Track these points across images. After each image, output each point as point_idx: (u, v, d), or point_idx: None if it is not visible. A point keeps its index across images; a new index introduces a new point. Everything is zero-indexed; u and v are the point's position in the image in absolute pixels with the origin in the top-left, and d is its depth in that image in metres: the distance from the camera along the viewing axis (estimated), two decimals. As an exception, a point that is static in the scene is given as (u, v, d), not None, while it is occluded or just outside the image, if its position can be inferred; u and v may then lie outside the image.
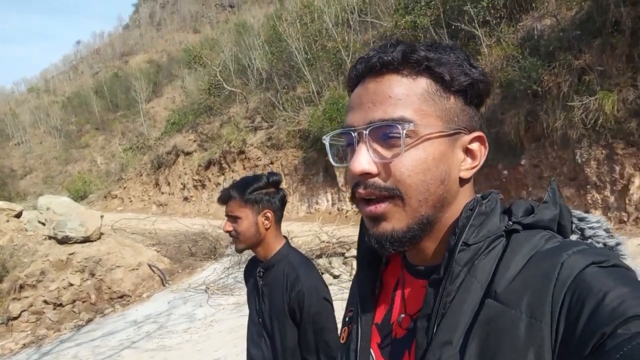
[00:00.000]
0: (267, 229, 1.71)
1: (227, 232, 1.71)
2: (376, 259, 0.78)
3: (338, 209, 13.11)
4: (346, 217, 12.64)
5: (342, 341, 0.81)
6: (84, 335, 7.10)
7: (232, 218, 1.69)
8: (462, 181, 0.67)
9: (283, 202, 1.76)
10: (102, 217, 10.35)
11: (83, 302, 8.50)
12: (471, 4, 10.68)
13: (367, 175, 0.63)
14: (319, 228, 9.30)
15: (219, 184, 18.02)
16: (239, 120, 18.55)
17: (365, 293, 0.76)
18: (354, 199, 0.67)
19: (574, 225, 0.66)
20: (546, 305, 0.53)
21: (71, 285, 8.61)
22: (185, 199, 19.84)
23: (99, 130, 39.79)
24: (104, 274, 9.04)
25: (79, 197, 25.51)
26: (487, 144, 0.68)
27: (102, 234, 10.00)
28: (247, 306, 1.82)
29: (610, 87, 7.55)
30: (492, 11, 10.56)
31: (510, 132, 9.09)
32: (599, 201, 7.82)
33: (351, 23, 15.88)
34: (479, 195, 0.67)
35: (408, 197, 0.62)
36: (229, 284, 8.17)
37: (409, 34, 13.18)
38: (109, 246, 9.78)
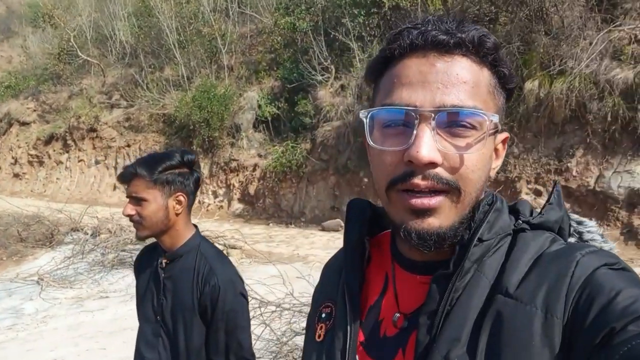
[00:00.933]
0: (177, 215, 1.51)
1: (127, 216, 1.47)
2: (362, 253, 0.73)
3: (200, 202, 12.61)
4: (208, 210, 12.23)
5: (318, 339, 0.74)
6: None
7: (136, 200, 1.46)
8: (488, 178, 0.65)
9: (197, 185, 1.58)
10: None
11: None
12: (349, 17, 11.23)
13: (431, 164, 0.56)
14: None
15: (61, 162, 15.98)
16: (93, 94, 16.68)
17: (356, 289, 0.71)
18: (392, 189, 0.59)
19: (572, 229, 0.67)
20: (560, 300, 0.53)
21: None
22: (17, 175, 17.13)
23: None
24: None
25: None
26: (506, 144, 0.68)
27: None
28: (88, 301, 1.56)
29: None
30: (367, 28, 11.24)
31: (373, 142, 9.75)
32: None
33: (230, 13, 15.45)
34: (492, 191, 0.66)
35: (466, 193, 0.58)
36: (68, 276, 7.24)
37: (288, 35, 13.34)
38: None
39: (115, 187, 14.44)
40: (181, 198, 1.52)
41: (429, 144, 0.55)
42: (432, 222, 0.58)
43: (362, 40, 11.23)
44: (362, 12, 11.16)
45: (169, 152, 1.55)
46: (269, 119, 12.48)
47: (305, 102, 11.60)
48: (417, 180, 0.57)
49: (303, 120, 11.58)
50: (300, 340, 3.76)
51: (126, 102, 15.41)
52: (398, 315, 0.67)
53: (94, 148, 15.38)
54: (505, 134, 0.67)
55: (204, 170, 12.65)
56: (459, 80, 0.57)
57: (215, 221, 10.67)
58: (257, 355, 4.00)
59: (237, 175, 12.23)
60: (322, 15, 12.38)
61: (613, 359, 0.47)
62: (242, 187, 12.15)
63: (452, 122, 0.57)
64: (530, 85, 7.99)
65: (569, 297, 0.53)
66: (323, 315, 0.77)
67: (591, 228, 0.67)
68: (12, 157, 17.50)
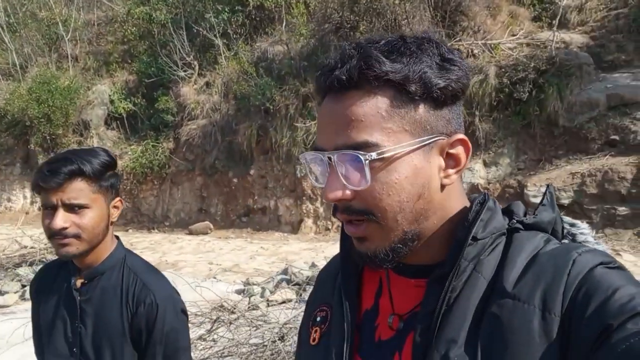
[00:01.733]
0: (111, 224, 1.27)
1: (61, 229, 1.15)
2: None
3: (39, 208, 11.01)
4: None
5: (312, 342, 0.74)
6: None
7: (72, 207, 1.17)
8: (444, 188, 0.63)
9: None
10: None
11: None
12: (212, 12, 10.89)
13: (341, 200, 0.60)
14: (22, 231, 7.56)
15: None
16: None
17: (352, 292, 0.71)
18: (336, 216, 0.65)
19: (565, 231, 0.68)
20: (558, 298, 0.54)
21: None
22: None
23: None
24: None
25: None
26: (469, 145, 0.64)
27: None
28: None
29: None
30: (233, 26, 11.03)
31: (242, 142, 9.62)
32: (312, 211, 9.08)
33: (74, -4, 13.82)
34: (485, 192, 0.66)
35: (384, 219, 0.60)
36: None
37: (144, 26, 12.42)
38: None
39: None
40: (119, 204, 1.28)
41: (332, 185, 0.60)
42: (368, 246, 0.62)
43: (228, 37, 10.99)
44: (227, 9, 10.92)
45: (96, 150, 1.25)
46: (124, 115, 11.48)
47: (167, 98, 10.93)
48: (338, 214, 0.63)
49: (164, 118, 10.89)
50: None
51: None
52: (393, 316, 0.67)
53: None
54: (456, 136, 0.62)
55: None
56: (348, 119, 0.59)
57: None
58: None
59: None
60: (183, 7, 11.78)
61: (611, 356, 0.48)
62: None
63: (351, 159, 0.59)
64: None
65: (567, 295, 0.54)
66: (318, 318, 0.76)
67: (584, 230, 0.69)
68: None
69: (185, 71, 11.13)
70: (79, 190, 1.17)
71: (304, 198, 9.12)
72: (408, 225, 0.61)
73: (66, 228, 1.15)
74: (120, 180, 1.36)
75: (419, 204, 0.61)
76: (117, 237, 1.34)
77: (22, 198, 11.29)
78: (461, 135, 0.63)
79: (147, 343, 1.24)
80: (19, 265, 6.57)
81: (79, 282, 1.26)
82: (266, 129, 9.49)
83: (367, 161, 0.57)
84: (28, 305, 4.78)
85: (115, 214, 1.27)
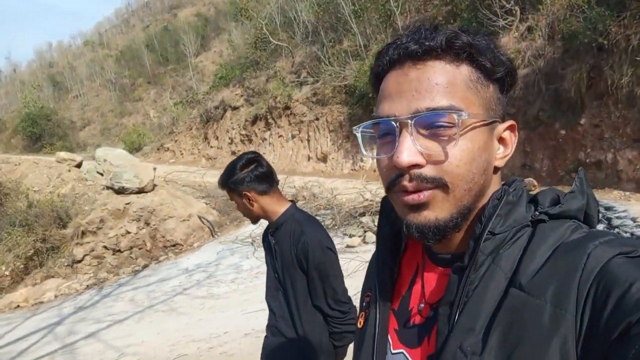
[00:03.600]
0: (254, 206, 1.87)
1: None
2: (396, 244, 0.78)
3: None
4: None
5: (359, 326, 0.82)
6: (140, 280, 7.61)
7: (234, 201, 1.93)
8: (495, 170, 0.67)
9: (260, 177, 1.86)
10: (155, 169, 10.81)
11: (139, 249, 9.06)
12: (535, -53, 9.84)
13: (415, 166, 0.60)
14: (363, 186, 9.29)
15: (265, 139, 18.24)
16: (285, 75, 18.44)
17: (385, 279, 0.77)
18: (390, 191, 0.65)
19: (600, 215, 0.65)
20: (571, 295, 0.53)
21: (128, 232, 9.17)
22: (233, 153, 20.26)
23: (150, 84, 40.83)
24: (157, 224, 9.54)
25: (134, 149, 26.63)
26: (517, 133, 0.68)
27: (155, 185, 10.48)
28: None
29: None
30: (558, -45, 9.68)
31: (570, 88, 8.54)
32: (664, 165, 7.31)
33: (402, -29, 15.08)
34: (505, 185, 0.66)
35: (454, 186, 0.61)
36: (274, 238, 8.41)
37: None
38: (161, 197, 10.26)
39: (309, 158, 15.91)
40: (248, 194, 1.85)
41: (408, 149, 0.60)
42: (428, 215, 0.62)
43: (551, -30, 9.74)
44: (550, -62, 9.64)
45: (231, 163, 1.92)
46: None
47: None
48: (405, 182, 0.61)
49: (485, 73, 10.76)
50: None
51: (312, 78, 16.62)
52: (423, 305, 0.71)
53: (290, 124, 17.09)
54: (509, 122, 0.67)
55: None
56: (431, 84, 0.61)
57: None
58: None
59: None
60: (502, -48, 11.10)
61: (629, 352, 0.46)
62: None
63: (430, 124, 0.61)
64: None
65: (582, 291, 0.52)
66: (364, 304, 0.83)
67: (620, 213, 0.65)
68: (229, 138, 20.74)
69: (505, 20, 10.61)
70: (227, 193, 1.99)
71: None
72: (469, 198, 0.63)
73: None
74: (248, 175, 1.86)
75: (482, 178, 0.63)
76: (291, 201, 1.95)
77: (370, 159, 13.57)
78: (512, 122, 0.67)
79: (307, 269, 1.77)
80: (362, 214, 8.15)
81: (272, 232, 1.93)
82: (600, 70, 8.09)
83: (459, 120, 0.59)
84: (368, 246, 6.07)
85: (248, 201, 1.87)
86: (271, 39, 19.36)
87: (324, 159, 15.34)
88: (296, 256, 1.78)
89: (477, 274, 0.61)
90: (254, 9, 22.27)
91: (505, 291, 0.59)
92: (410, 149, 0.60)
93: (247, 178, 1.85)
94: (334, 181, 11.96)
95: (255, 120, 19.07)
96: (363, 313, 0.82)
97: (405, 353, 0.71)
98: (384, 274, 0.77)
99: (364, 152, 0.69)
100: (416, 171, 0.60)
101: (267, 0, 21.73)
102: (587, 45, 8.22)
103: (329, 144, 15.05)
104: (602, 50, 8.04)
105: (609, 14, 7.74)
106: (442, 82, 0.61)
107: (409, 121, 0.60)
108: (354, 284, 5.45)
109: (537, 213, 0.62)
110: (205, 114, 23.30)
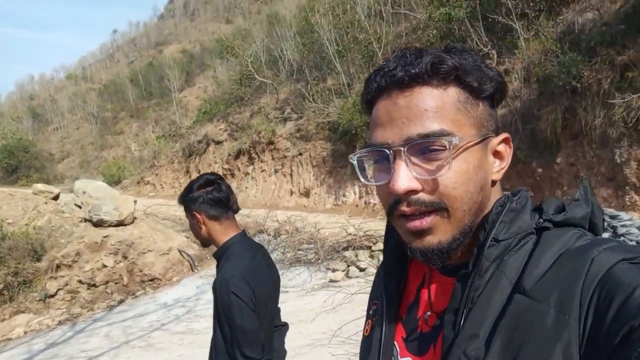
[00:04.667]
0: (202, 229, 1.77)
1: None
2: (403, 254, 0.78)
3: (365, 202, 13.08)
4: (373, 210, 12.61)
5: (365, 334, 0.82)
6: (116, 315, 7.35)
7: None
8: (493, 183, 0.67)
9: (213, 201, 1.76)
10: (135, 202, 10.65)
11: (115, 283, 8.79)
12: (510, -4, 10.39)
13: (411, 192, 0.62)
14: (346, 221, 9.30)
15: (247, 173, 18.24)
16: (269, 110, 18.68)
17: (392, 288, 0.78)
18: (391, 216, 0.66)
19: (605, 223, 0.66)
20: (574, 300, 0.53)
21: (105, 266, 8.92)
22: (215, 187, 20.17)
23: (133, 117, 40.79)
24: (136, 257, 9.32)
25: (113, 182, 26.28)
26: (512, 144, 0.69)
27: (135, 218, 10.30)
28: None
29: (655, 84, 7.24)
30: (531, 3, 10.25)
31: (546, 129, 8.84)
32: (638, 203, 7.54)
33: (384, 14, 15.69)
34: (509, 193, 0.67)
35: (454, 209, 0.62)
36: (255, 272, 8.28)
37: (443, 26, 12.95)
38: (141, 230, 10.07)
39: (292, 193, 15.91)
40: (197, 216, 1.77)
41: (402, 177, 0.61)
42: (431, 240, 0.63)
43: (526, 17, 10.28)
44: (524, -12, 10.23)
45: (190, 181, 1.85)
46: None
47: (466, 93, 11.10)
48: (403, 208, 0.63)
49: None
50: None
51: (296, 115, 16.88)
52: (429, 313, 0.71)
53: (273, 159, 17.17)
54: (503, 135, 0.67)
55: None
56: (420, 110, 0.62)
57: (380, 220, 10.94)
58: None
59: (400, 174, 12.35)
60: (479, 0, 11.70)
61: (632, 356, 0.46)
62: (406, 186, 12.21)
63: (423, 149, 0.62)
64: None
65: (585, 296, 0.53)
66: (371, 312, 0.84)
67: (626, 222, 0.65)
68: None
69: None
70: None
71: (626, 188, 7.66)
72: (470, 217, 0.64)
73: None
74: (201, 197, 1.77)
75: (480, 196, 0.64)
76: (242, 230, 1.83)
77: (353, 194, 13.66)
78: (506, 135, 0.68)
79: (218, 312, 1.63)
80: (346, 248, 8.12)
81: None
82: (574, 111, 8.42)
83: (450, 144, 0.60)
84: (351, 281, 6.00)
85: (198, 223, 1.79)
86: (256, 75, 19.72)
87: (306, 193, 15.36)
88: (215, 296, 1.67)
89: (481, 281, 0.61)
90: (240, 47, 22.74)
91: (510, 297, 0.59)
92: (405, 176, 0.61)
93: (200, 199, 1.76)
94: (316, 216, 11.95)
95: (238, 154, 19.11)
96: (370, 321, 0.82)
97: None
98: (391, 283, 0.78)
99: (362, 179, 0.70)
100: (414, 197, 0.62)
101: (253, 39, 22.25)
102: (561, 88, 8.58)
103: (312, 179, 15.13)
104: (576, 92, 8.40)
105: (581, 59, 8.15)
106: (431, 107, 0.62)
107: (402, 149, 0.61)
108: (339, 317, 5.36)
109: (542, 220, 0.63)
110: (188, 147, 23.27)
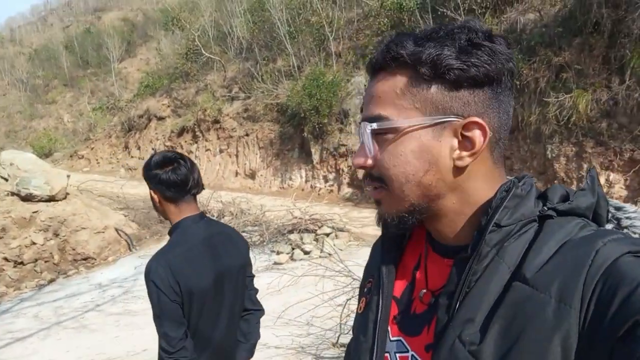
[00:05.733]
0: (157, 207, 1.77)
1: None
2: (400, 233, 0.78)
3: (311, 186, 13.14)
4: (319, 194, 12.70)
5: (359, 311, 0.82)
6: (46, 295, 6.97)
7: None
8: (460, 168, 0.65)
9: (169, 183, 1.69)
10: (68, 176, 10.05)
11: (45, 261, 8.31)
12: (459, -10, 10.68)
13: (364, 167, 0.70)
14: (292, 204, 9.32)
15: (191, 152, 17.72)
16: (216, 88, 18.16)
17: (388, 266, 0.78)
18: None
19: (610, 215, 0.65)
20: (577, 291, 0.53)
21: (34, 244, 8.39)
22: (156, 164, 19.45)
23: (67, 86, 38.17)
24: (68, 235, 8.84)
25: (44, 154, 24.58)
26: (487, 129, 0.63)
27: (67, 194, 9.72)
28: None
29: (586, 86, 7.77)
30: (478, 0, 10.60)
31: (486, 122, 9.26)
32: (564, 196, 8.12)
33: (337, -1, 15.64)
34: (514, 178, 0.66)
35: (391, 187, 0.67)
36: (198, 253, 8.13)
37: (394, 15, 13.12)
38: (74, 207, 9.54)
39: (237, 174, 15.67)
40: (152, 194, 1.75)
41: (357, 153, 0.70)
42: (380, 210, 0.72)
43: (473, 13, 10.63)
44: (473, -16, 10.54)
45: (151, 155, 1.81)
46: (377, 102, 12.47)
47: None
48: (365, 180, 0.72)
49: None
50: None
51: (244, 94, 16.52)
52: (424, 291, 0.71)
53: (218, 138, 16.78)
54: (470, 119, 0.63)
55: (315, 156, 13.12)
56: (371, 95, 0.69)
57: (325, 204, 11.06)
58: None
59: (346, 160, 12.47)
60: (430, -9, 11.94)
61: (636, 352, 0.46)
62: (350, 171, 12.37)
63: (366, 130, 0.68)
64: None
65: (587, 287, 0.52)
66: (365, 289, 0.84)
67: (631, 214, 0.65)
68: (152, 149, 19.85)
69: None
70: None
71: (555, 181, 8.22)
72: (416, 197, 0.66)
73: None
74: (158, 176, 1.71)
75: (426, 179, 0.65)
76: (198, 214, 1.79)
77: (299, 177, 13.68)
78: (476, 118, 0.63)
79: None
80: (291, 231, 8.14)
81: None
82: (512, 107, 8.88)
83: (369, 131, 0.66)
84: (296, 264, 6.03)
85: (154, 200, 1.76)
86: (203, 51, 19.04)
87: (252, 175, 15.19)
88: None
89: (480, 265, 0.61)
90: (187, 20, 21.81)
91: (508, 284, 0.59)
92: (359, 153, 0.70)
93: (157, 179, 1.69)
94: (262, 198, 11.87)
95: (182, 132, 18.49)
96: (364, 299, 0.82)
97: (404, 341, 0.72)
98: (388, 261, 0.78)
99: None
100: (368, 171, 0.70)
101: (201, 12, 21.41)
102: (502, 84, 8.99)
103: (258, 160, 14.96)
104: (515, 89, 8.84)
105: (522, 58, 8.57)
106: (377, 93, 0.67)
107: (360, 129, 0.69)
108: (283, 299, 5.38)
109: (546, 208, 0.62)
110: (128, 122, 22.20)
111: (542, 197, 0.65)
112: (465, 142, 0.64)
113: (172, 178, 1.68)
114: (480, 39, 0.63)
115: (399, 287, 0.77)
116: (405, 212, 0.68)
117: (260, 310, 2.01)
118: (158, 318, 1.60)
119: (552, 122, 8.02)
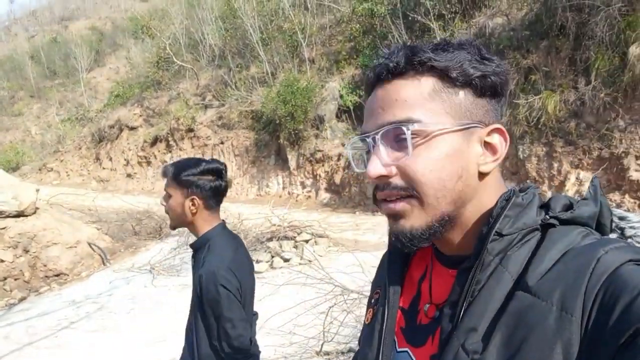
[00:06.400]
0: (193, 214, 1.72)
1: (162, 205, 1.76)
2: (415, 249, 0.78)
3: (289, 193, 13.10)
4: (297, 201, 12.66)
5: (366, 322, 0.82)
6: (17, 314, 6.70)
7: (167, 194, 1.74)
8: (482, 175, 0.66)
9: (217, 191, 1.75)
10: (37, 190, 9.73)
11: (15, 279, 8.00)
12: (429, -4, 10.87)
13: (384, 177, 0.65)
14: (270, 211, 9.25)
15: (165, 161, 17.42)
16: (189, 97, 17.96)
17: (395, 277, 0.78)
18: (375, 200, 0.69)
19: (613, 224, 0.66)
20: (578, 299, 0.53)
21: (2, 261, 8.07)
22: (129, 175, 19.05)
23: (34, 98, 37.10)
24: (39, 251, 8.55)
25: (10, 168, 23.77)
26: (507, 135, 0.68)
27: (37, 208, 9.41)
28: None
29: (554, 87, 8.00)
30: (448, 5, 10.81)
31: (459, 125, 9.41)
32: (537, 195, 8.31)
33: (309, 5, 15.70)
34: (516, 187, 0.66)
35: (425, 195, 0.63)
36: (175, 265, 7.98)
37: (366, 21, 13.25)
38: (45, 222, 9.24)
39: (212, 182, 15.50)
40: (195, 200, 1.71)
41: (375, 162, 0.65)
42: (403, 224, 0.65)
43: (443, 18, 10.82)
44: (442, -11, 10.74)
45: (198, 160, 1.75)
46: (351, 108, 12.55)
47: (387, 88, 11.47)
48: (379, 192, 0.67)
49: (385, 107, 11.47)
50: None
51: (218, 102, 16.39)
52: (428, 305, 0.71)
53: (193, 147, 16.57)
54: (493, 126, 0.67)
55: (292, 162, 13.08)
56: (392, 100, 0.65)
57: (303, 211, 11.02)
58: (344, 341, 4.15)
59: (323, 165, 12.49)
60: (401, -3, 12.10)
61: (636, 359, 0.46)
62: (328, 177, 12.39)
63: (396, 137, 0.65)
64: (637, 49, 7.19)
65: (589, 295, 0.52)
66: (372, 300, 0.84)
67: (635, 224, 0.66)
68: (125, 159, 19.48)
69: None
70: (167, 181, 1.73)
71: (527, 181, 8.41)
72: (446, 205, 0.64)
73: (164, 205, 1.74)
74: (207, 184, 1.72)
75: (458, 185, 0.64)
76: (222, 221, 1.78)
77: (276, 184, 13.62)
78: (499, 125, 0.67)
79: (204, 305, 1.62)
80: (270, 239, 8.07)
81: (193, 253, 1.77)
82: (484, 109, 9.06)
83: (409, 131, 0.62)
84: (276, 272, 5.95)
85: (192, 207, 1.71)
86: (175, 59, 18.82)
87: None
88: (196, 288, 1.65)
89: (483, 275, 0.61)
90: (157, 28, 21.53)
91: (511, 293, 0.59)
92: (377, 162, 0.65)
93: (206, 186, 1.70)
94: (239, 206, 11.75)
95: (155, 141, 18.19)
96: (371, 309, 0.82)
97: (410, 352, 0.71)
98: (395, 274, 0.78)
99: (355, 167, 0.74)
100: (387, 181, 0.65)
101: (172, 20, 21.17)
102: (473, 87, 9.17)
103: (234, 168, 14.83)
104: (486, 92, 9.03)
105: (491, 61, 8.75)
106: (402, 97, 0.64)
107: (376, 136, 0.65)
108: (264, 308, 5.32)
109: (548, 217, 0.62)
110: (98, 133, 21.71)
111: (545, 206, 0.66)
112: (487, 149, 0.67)
113: (219, 186, 1.74)
114: (489, 55, 0.67)
115: (406, 298, 0.77)
116: (437, 222, 0.64)
117: (256, 315, 2.03)
118: (230, 321, 1.59)
119: (523, 123, 8.21)
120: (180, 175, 1.70)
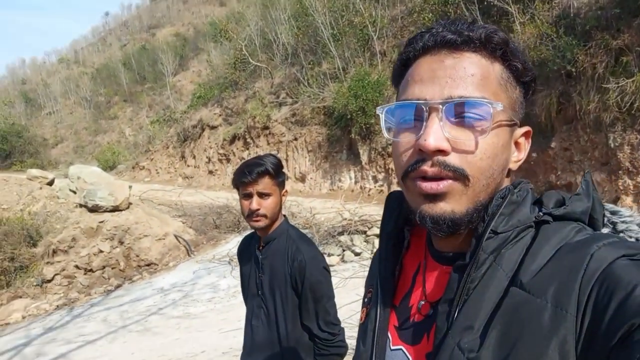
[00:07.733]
0: (280, 203, 1.82)
1: (255, 210, 1.72)
2: (399, 241, 0.78)
3: (361, 187, 13.12)
4: (369, 195, 12.65)
5: (360, 321, 0.83)
6: (113, 300, 7.40)
7: (263, 195, 1.73)
8: (508, 172, 0.67)
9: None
10: (130, 187, 10.63)
11: (112, 268, 8.83)
12: (506, -22, 10.30)
13: (439, 152, 0.60)
14: (342, 205, 9.34)
15: (243, 158, 18.20)
16: (264, 95, 18.56)
17: (387, 275, 0.77)
18: (406, 177, 0.63)
19: (605, 219, 0.65)
20: (572, 295, 0.52)
21: (101, 252, 8.94)
22: (210, 172, 20.14)
23: (127, 102, 40.42)
24: (132, 242, 9.34)
25: (108, 167, 26.17)
26: (530, 140, 0.69)
27: (130, 203, 10.30)
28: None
29: (649, 69, 7.26)
30: (528, -14, 10.17)
31: (541, 113, 8.85)
32: (631, 187, 7.61)
33: (380, -3, 15.55)
34: (509, 184, 0.66)
35: (475, 180, 0.60)
36: (251, 257, 8.33)
37: (439, 9, 12.83)
38: (137, 216, 10.07)
39: (287, 178, 15.93)
40: (285, 193, 1.84)
41: (436, 133, 0.59)
42: (444, 207, 0.61)
43: (522, 1, 10.21)
44: (521, -30, 10.13)
45: (274, 156, 1.84)
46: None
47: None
48: (426, 167, 0.60)
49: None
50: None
51: (291, 99, 16.79)
52: (423, 302, 0.70)
53: (268, 144, 17.13)
54: (526, 128, 0.68)
55: (363, 156, 13.08)
56: (467, 74, 0.61)
57: (375, 205, 11.00)
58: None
59: (395, 159, 12.35)
60: (475, -18, 11.59)
61: (634, 357, 0.45)
62: (401, 170, 12.22)
63: (460, 112, 0.60)
64: None
65: (583, 291, 0.52)
66: (366, 300, 0.84)
67: (626, 218, 0.64)
68: (207, 157, 20.61)
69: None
70: (266, 182, 1.74)
71: (620, 172, 7.73)
72: (486, 194, 0.62)
73: (258, 209, 1.73)
74: (287, 178, 1.83)
75: (500, 176, 0.63)
76: (284, 216, 1.86)
77: (349, 179, 13.69)
78: (529, 128, 0.68)
79: (302, 288, 1.71)
80: (341, 233, 8.18)
81: (261, 246, 1.84)
82: (569, 96, 8.44)
83: (493, 112, 0.59)
84: (347, 265, 6.04)
85: (283, 200, 1.81)
86: (251, 59, 19.53)
87: (302, 178, 15.38)
88: (291, 275, 1.72)
89: (478, 272, 0.60)
90: (234, 31, 22.46)
91: (506, 290, 0.58)
92: (438, 134, 0.59)
93: (286, 179, 1.86)
94: (312, 201, 11.99)
95: (233, 139, 19.04)
96: (365, 309, 0.82)
97: (404, 350, 0.71)
98: (386, 271, 0.77)
99: (386, 134, 0.68)
100: (440, 158, 0.60)
101: (247, 22, 21.97)
102: (556, 72, 8.58)
103: (308, 164, 15.13)
104: (571, 77, 8.41)
105: (576, 43, 8.13)
106: (477, 74, 0.61)
107: (440, 106, 0.60)
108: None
109: (541, 214, 0.62)
110: (183, 132, 23.16)
111: (538, 202, 0.65)
112: (515, 148, 0.67)
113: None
114: (515, 44, 0.65)
115: (399, 296, 0.76)
116: (475, 210, 0.62)
117: None
118: (330, 299, 1.73)
119: (614, 109, 7.54)
120: (280, 173, 1.79)
